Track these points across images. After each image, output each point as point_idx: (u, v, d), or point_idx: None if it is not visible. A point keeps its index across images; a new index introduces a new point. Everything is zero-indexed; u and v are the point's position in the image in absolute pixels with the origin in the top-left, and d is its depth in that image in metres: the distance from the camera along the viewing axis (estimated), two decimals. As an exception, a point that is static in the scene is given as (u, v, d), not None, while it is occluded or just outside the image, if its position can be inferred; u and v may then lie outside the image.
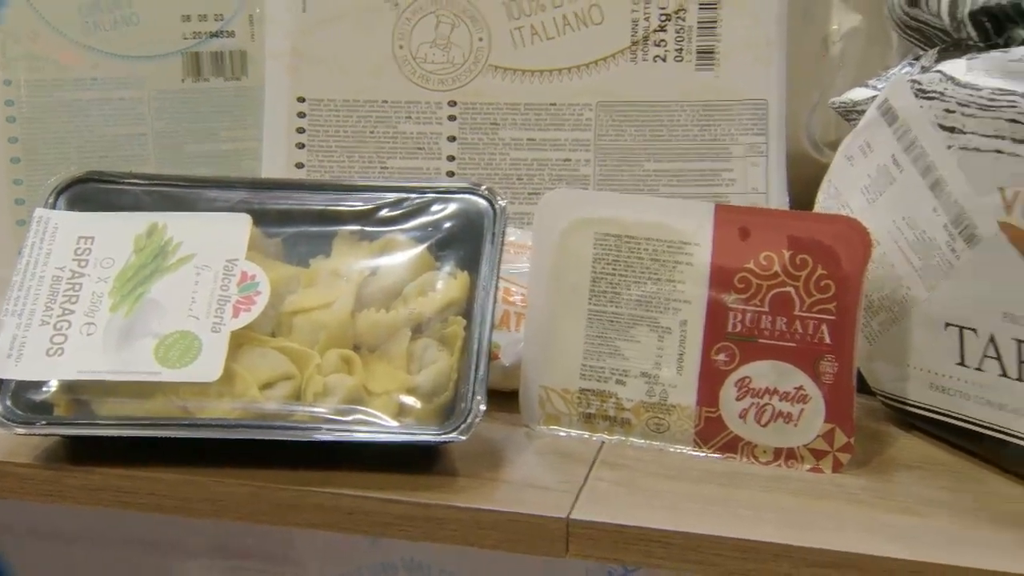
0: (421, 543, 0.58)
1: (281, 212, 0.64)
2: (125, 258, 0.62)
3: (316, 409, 0.58)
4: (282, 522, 0.58)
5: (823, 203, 0.65)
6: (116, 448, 0.58)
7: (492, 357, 0.63)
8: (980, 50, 0.58)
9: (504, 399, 0.64)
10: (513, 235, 0.68)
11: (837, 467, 0.60)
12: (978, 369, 0.59)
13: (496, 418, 0.62)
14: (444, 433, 0.57)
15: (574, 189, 0.71)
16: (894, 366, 0.63)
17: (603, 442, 0.62)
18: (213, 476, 0.58)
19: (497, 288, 0.61)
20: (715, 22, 0.73)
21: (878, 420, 0.64)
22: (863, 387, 0.64)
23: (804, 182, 0.72)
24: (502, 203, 0.63)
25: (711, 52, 0.73)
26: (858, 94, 0.64)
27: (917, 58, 0.63)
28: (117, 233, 0.63)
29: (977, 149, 0.56)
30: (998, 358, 0.57)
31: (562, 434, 0.63)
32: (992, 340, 0.57)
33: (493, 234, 0.62)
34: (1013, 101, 0.54)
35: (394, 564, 0.93)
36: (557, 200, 0.63)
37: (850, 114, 0.64)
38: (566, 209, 0.63)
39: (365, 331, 0.61)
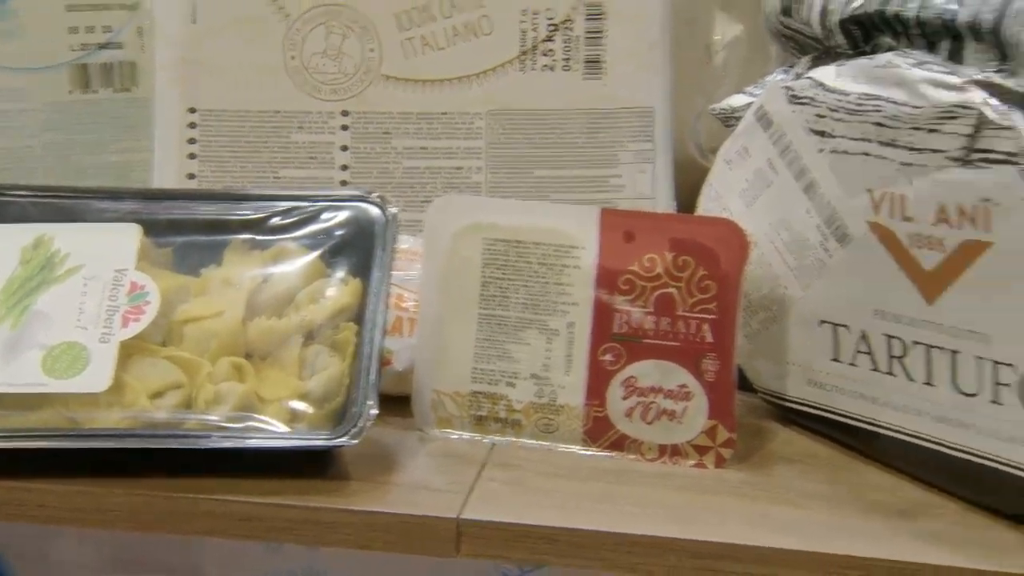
0: (322, 550, 0.59)
1: (171, 222, 0.64)
2: (11, 270, 0.61)
3: (207, 417, 0.58)
4: (175, 530, 0.58)
5: (704, 206, 0.67)
6: (4, 461, 0.58)
7: (385, 362, 0.63)
8: (849, 57, 0.60)
9: (398, 404, 0.64)
10: (407, 242, 0.69)
11: (720, 462, 0.61)
12: (851, 364, 0.61)
13: (389, 423, 0.63)
14: (335, 437, 0.57)
15: (463, 195, 0.72)
16: (773, 363, 0.64)
17: (494, 443, 0.63)
18: (104, 487, 0.57)
19: (389, 294, 0.62)
20: (601, 32, 0.74)
21: (760, 416, 0.66)
22: (745, 384, 0.66)
23: (691, 187, 0.74)
24: (393, 210, 0.64)
25: (598, 61, 0.74)
26: (736, 100, 0.66)
27: (792, 66, 0.65)
28: (2, 245, 0.62)
29: (846, 152, 0.58)
30: (869, 353, 0.60)
31: (454, 437, 0.63)
32: (864, 336, 0.60)
33: (384, 241, 0.63)
34: (878, 105, 0.56)
35: (293, 571, 0.93)
36: (446, 206, 0.64)
37: (729, 120, 0.66)
38: (455, 215, 0.64)
39: (257, 339, 0.61)
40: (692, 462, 0.61)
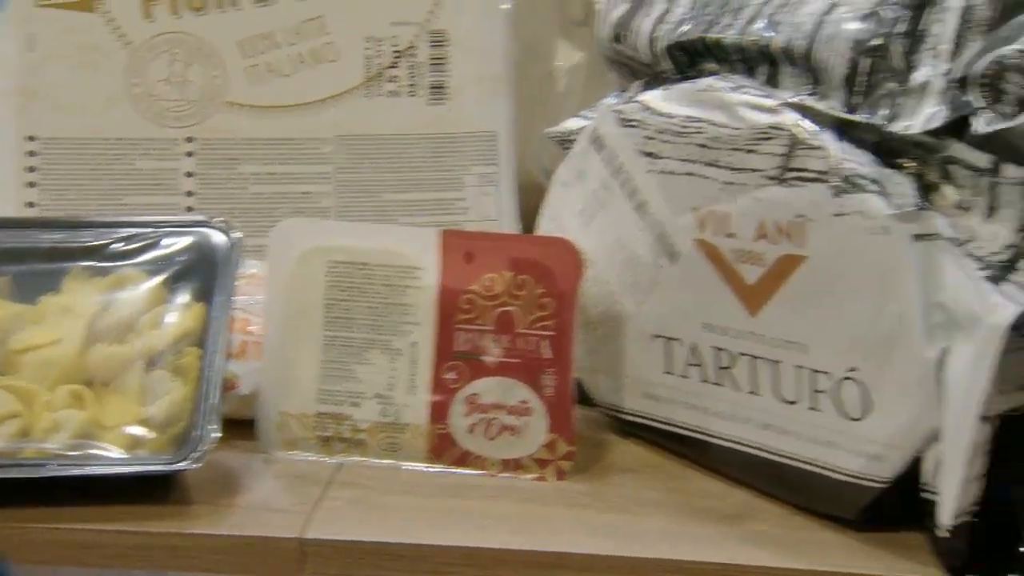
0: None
1: (8, 251, 0.64)
2: None
3: (46, 445, 0.57)
4: (18, 559, 0.57)
5: (544, 226, 0.68)
6: None
7: (230, 386, 0.64)
8: (676, 82, 0.62)
9: (244, 427, 0.64)
10: (254, 267, 0.69)
11: (560, 475, 0.63)
12: (683, 376, 0.63)
13: (236, 446, 0.63)
14: (176, 462, 0.57)
15: (305, 219, 0.72)
16: (612, 378, 0.66)
17: (340, 464, 0.63)
18: (-60, 518, 0.57)
19: (232, 318, 0.62)
20: (445, 59, 0.76)
21: (600, 430, 0.68)
22: (587, 399, 0.68)
23: (536, 209, 0.76)
24: (237, 235, 0.64)
25: (442, 87, 0.76)
26: (572, 124, 0.68)
27: (624, 90, 0.67)
28: None
29: (673, 172, 0.60)
30: (700, 365, 0.62)
31: (300, 458, 0.64)
32: (694, 349, 0.62)
33: (228, 265, 0.63)
34: (701, 127, 0.59)
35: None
36: (289, 230, 0.65)
37: (565, 143, 0.68)
38: (298, 238, 0.64)
39: (98, 366, 0.61)
40: (534, 475, 0.63)
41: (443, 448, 0.63)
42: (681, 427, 0.64)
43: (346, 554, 0.56)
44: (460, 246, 0.63)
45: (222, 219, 0.65)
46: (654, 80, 0.64)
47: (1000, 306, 0.50)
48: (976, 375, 0.51)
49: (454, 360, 0.63)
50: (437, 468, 0.63)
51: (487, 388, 0.63)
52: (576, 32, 0.83)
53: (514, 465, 0.63)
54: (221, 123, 0.74)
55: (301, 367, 0.64)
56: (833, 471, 0.57)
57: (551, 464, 0.63)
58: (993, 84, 0.53)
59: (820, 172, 0.54)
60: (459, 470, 0.63)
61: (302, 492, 0.60)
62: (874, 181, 0.54)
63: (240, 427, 0.64)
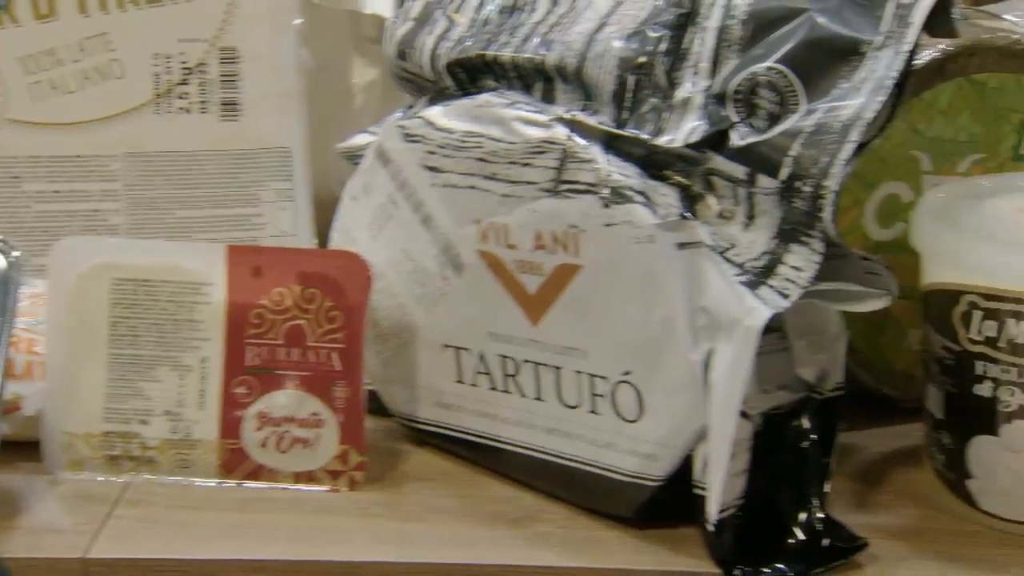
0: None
1: None
2: None
3: None
4: None
5: (335, 240, 0.69)
6: None
7: (13, 407, 0.63)
8: (457, 98, 0.64)
9: (31, 449, 0.63)
10: (41, 287, 0.68)
11: (353, 485, 0.63)
12: (473, 385, 0.64)
13: (20, 468, 0.62)
14: (-49, 486, 0.56)
15: (87, 237, 0.71)
16: (406, 388, 0.67)
17: (128, 482, 0.63)
18: None
19: (10, 338, 0.61)
20: (236, 75, 0.76)
21: (396, 440, 0.69)
22: (384, 410, 0.69)
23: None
24: (16, 254, 0.63)
25: (235, 103, 0.76)
26: (360, 139, 0.69)
27: (411, 106, 0.68)
28: None
29: (455, 186, 0.62)
30: (488, 373, 0.63)
31: (87, 478, 0.63)
32: (482, 357, 0.63)
33: (7, 285, 0.62)
34: (480, 142, 0.60)
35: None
36: (69, 249, 0.64)
37: (354, 158, 0.69)
38: (80, 257, 0.64)
39: None
40: (326, 487, 0.63)
41: (235, 463, 0.63)
42: (473, 434, 0.65)
43: (132, 572, 0.56)
44: (247, 261, 0.64)
45: (1, 238, 0.64)
46: (438, 96, 0.66)
47: (755, 309, 0.53)
48: (735, 375, 0.54)
49: (245, 375, 0.63)
50: (229, 483, 0.63)
51: (278, 402, 0.63)
52: (370, 49, 0.84)
53: (307, 477, 0.63)
54: (3, 141, 0.73)
55: (86, 386, 0.63)
56: (612, 471, 0.59)
57: (344, 475, 0.63)
58: (747, 99, 0.56)
59: (590, 184, 0.57)
60: (251, 484, 0.63)
61: (88, 512, 0.59)
62: (640, 192, 0.56)
63: (26, 449, 0.63)
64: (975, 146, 0.65)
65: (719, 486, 0.55)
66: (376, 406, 0.69)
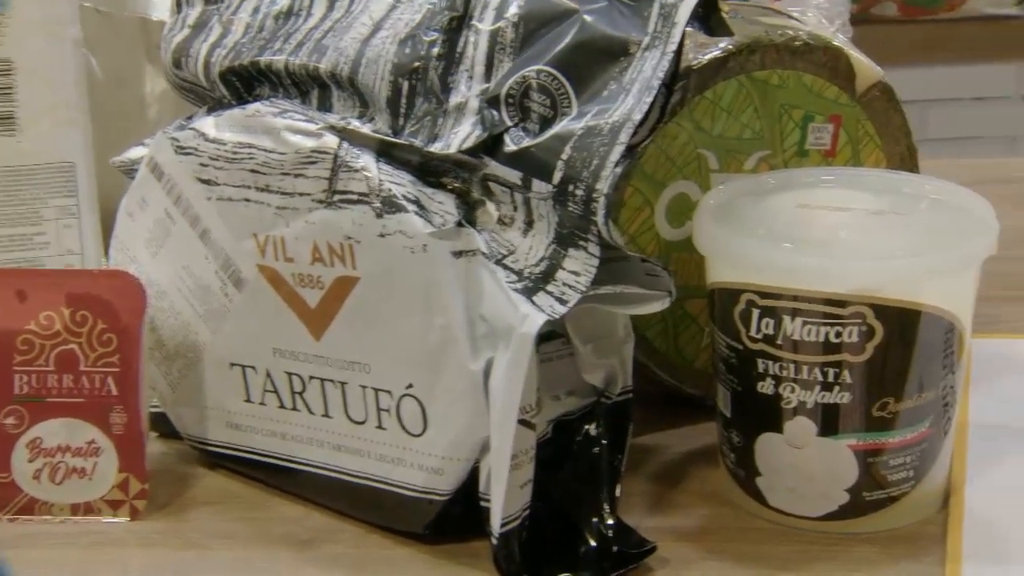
0: None
1: None
2: None
3: None
4: None
5: (114, 258, 0.67)
6: None
7: None
8: (231, 107, 0.63)
9: None
10: None
11: (135, 514, 0.61)
12: (261, 403, 0.63)
13: None
14: None
15: None
16: (195, 409, 0.66)
17: None
18: None
19: None
20: (12, 88, 0.73)
21: (187, 463, 0.67)
22: (176, 433, 0.67)
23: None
24: None
25: (11, 118, 0.73)
26: (135, 152, 0.67)
27: (190, 117, 0.67)
28: None
29: (231, 199, 0.60)
30: (275, 391, 0.62)
31: None
32: (269, 375, 0.62)
33: None
34: (252, 153, 0.59)
35: None
36: None
37: (131, 172, 0.67)
38: None
39: None
40: (106, 518, 0.61)
41: (7, 498, 0.61)
42: (263, 455, 0.64)
43: None
44: (9, 284, 0.61)
45: None
46: (216, 106, 0.64)
47: (529, 317, 0.53)
48: (512, 384, 0.53)
49: (13, 404, 0.61)
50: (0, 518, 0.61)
51: (51, 431, 0.61)
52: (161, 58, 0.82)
53: (85, 508, 0.61)
54: None
55: None
56: (401, 487, 0.58)
57: (124, 504, 0.61)
58: (520, 103, 0.56)
59: (362, 194, 0.56)
60: (25, 519, 0.61)
61: None
62: (414, 201, 0.55)
63: None
64: (760, 143, 0.66)
65: (501, 498, 0.54)
66: (168, 429, 0.67)
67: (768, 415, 0.58)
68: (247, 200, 0.60)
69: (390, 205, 0.55)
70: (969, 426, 0.65)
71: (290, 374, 0.61)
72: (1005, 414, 0.67)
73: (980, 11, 2.20)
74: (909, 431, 0.57)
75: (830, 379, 0.56)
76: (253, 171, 0.59)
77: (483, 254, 0.55)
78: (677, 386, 0.68)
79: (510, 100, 0.56)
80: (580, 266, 0.55)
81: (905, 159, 0.69)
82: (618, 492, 0.59)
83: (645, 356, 0.67)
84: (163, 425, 0.67)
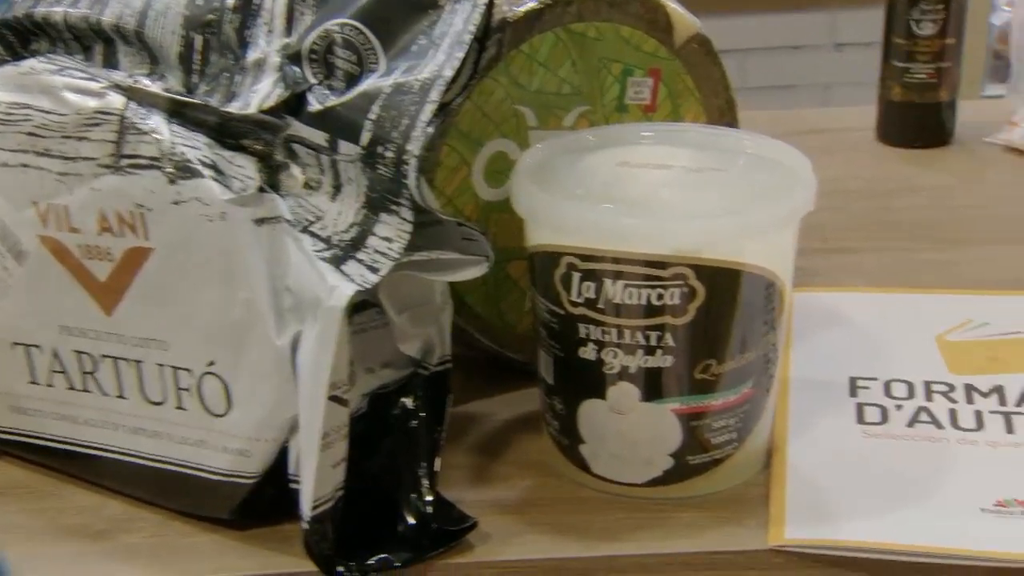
0: None
1: None
2: None
3: None
4: None
5: None
6: None
7: None
8: (5, 64, 0.58)
9: None
10: None
11: (-85, 511, 0.57)
12: (49, 385, 0.59)
13: None
14: None
15: None
16: (-24, 393, 0.61)
17: None
18: None
19: None
20: None
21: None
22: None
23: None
24: None
25: None
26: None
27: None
28: None
29: (7, 164, 0.56)
30: (64, 372, 0.58)
31: None
32: (56, 354, 0.58)
33: None
34: (28, 114, 0.54)
35: None
36: None
37: None
38: None
39: None
40: None
41: None
42: (53, 440, 0.59)
43: None
44: None
45: None
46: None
47: (337, 289, 0.50)
48: (320, 359, 0.51)
49: None
50: None
51: None
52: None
53: None
54: None
55: None
56: (204, 471, 0.55)
57: (-99, 500, 0.57)
58: (324, 59, 0.53)
59: (153, 158, 0.52)
60: None
61: None
62: (210, 166, 0.52)
63: None
64: (579, 98, 0.64)
65: (312, 479, 0.52)
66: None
67: (591, 381, 0.56)
68: (25, 165, 0.55)
69: (184, 170, 0.52)
70: (790, 381, 0.66)
71: (79, 353, 0.57)
72: (823, 369, 0.67)
73: (794, -41, 2.25)
74: (732, 393, 0.56)
75: (652, 343, 0.55)
76: (31, 134, 0.54)
77: (287, 221, 0.52)
78: (499, 351, 0.67)
79: (313, 56, 0.53)
80: (392, 232, 0.52)
81: (724, 112, 0.68)
82: (437, 466, 0.57)
83: (466, 321, 0.65)
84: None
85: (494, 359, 0.68)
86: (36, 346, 0.58)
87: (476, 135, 0.62)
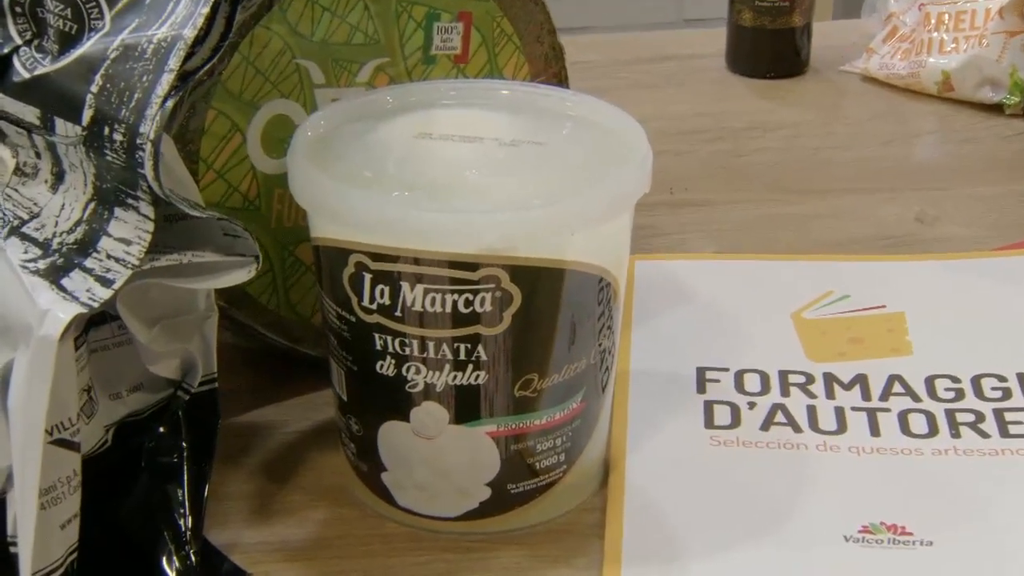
0: None
1: None
2: None
3: None
4: None
5: None
6: None
7: None
8: None
9: None
10: None
11: None
12: None
13: None
14: None
15: None
16: None
17: None
18: None
19: None
20: None
21: None
22: None
23: None
24: None
25: None
26: None
27: None
28: None
29: None
30: None
31: None
32: None
33: None
34: None
35: None
36: None
37: None
38: None
39: None
40: None
41: None
42: None
43: None
44: None
45: None
46: None
47: (51, 312, 0.40)
48: (34, 396, 0.40)
49: None
50: None
51: None
52: None
53: None
54: None
55: None
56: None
57: None
58: (31, 12, 0.42)
59: None
60: None
61: None
62: None
63: None
64: (375, 49, 0.54)
65: (30, 543, 0.41)
66: None
67: (391, 400, 0.47)
68: None
69: None
70: (631, 375, 0.58)
71: None
72: (667, 358, 0.59)
73: None
74: (559, 409, 0.48)
75: (462, 356, 0.46)
76: None
77: (-11, 224, 0.42)
78: (292, 347, 0.57)
79: (17, 8, 0.42)
80: (130, 231, 0.42)
81: (551, 60, 0.59)
82: (204, 508, 0.47)
83: (249, 316, 0.55)
84: None
85: (285, 354, 0.58)
86: None
87: (249, 96, 0.52)
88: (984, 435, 0.54)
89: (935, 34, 0.91)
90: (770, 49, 0.94)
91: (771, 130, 0.86)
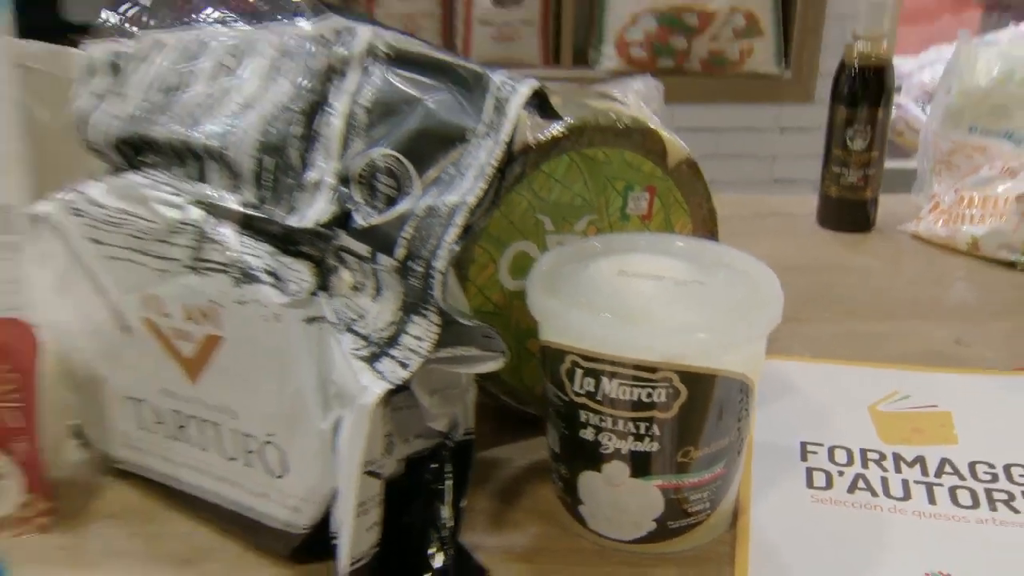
0: None
1: None
2: None
3: None
4: None
5: (29, 299, 0.50)
6: None
7: None
8: (120, 173, 0.46)
9: None
10: None
11: (44, 529, 0.45)
12: (153, 432, 0.47)
13: None
14: None
15: None
16: (101, 430, 0.48)
17: None
18: None
19: None
20: (-47, 140, 0.55)
21: (99, 473, 0.49)
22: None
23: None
24: None
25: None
26: (41, 207, 0.50)
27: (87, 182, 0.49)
28: None
29: (116, 258, 0.43)
30: (163, 423, 0.46)
31: None
32: (156, 410, 0.45)
33: None
34: (130, 220, 0.42)
35: None
36: None
37: (38, 221, 0.49)
38: None
39: None
40: (16, 534, 0.45)
41: (-88, 523, 0.44)
42: (157, 476, 0.47)
43: None
44: (-89, 334, 0.44)
45: None
46: (115, 170, 0.47)
47: (367, 389, 0.37)
48: (353, 445, 0.38)
49: (-83, 440, 0.44)
50: (-91, 541, 0.44)
51: (-45, 462, 0.44)
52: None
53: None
54: None
55: None
56: (268, 519, 0.43)
57: (31, 521, 0.45)
58: (368, 182, 0.40)
59: (222, 264, 0.40)
60: (-69, 541, 0.44)
61: None
62: (270, 272, 0.39)
63: None
64: (588, 209, 0.51)
65: (347, 543, 0.39)
66: (85, 440, 0.50)
67: (589, 457, 0.43)
68: (130, 260, 0.43)
69: (247, 276, 0.39)
70: (755, 445, 0.52)
71: (174, 411, 0.45)
72: (780, 433, 0.53)
73: (754, 70, 2.07)
74: (706, 472, 0.43)
75: (641, 431, 0.41)
76: (133, 235, 0.42)
77: (330, 322, 0.40)
78: (520, 408, 0.53)
79: (361, 180, 0.40)
80: (423, 332, 0.39)
81: (707, 220, 0.54)
82: (460, 520, 0.44)
83: (495, 387, 0.51)
84: (84, 435, 0.51)
85: (516, 413, 0.54)
86: (143, 400, 0.46)
87: (503, 238, 0.49)
88: (1015, 511, 0.46)
89: (967, 211, 0.82)
90: (849, 212, 0.86)
91: (850, 270, 0.78)
